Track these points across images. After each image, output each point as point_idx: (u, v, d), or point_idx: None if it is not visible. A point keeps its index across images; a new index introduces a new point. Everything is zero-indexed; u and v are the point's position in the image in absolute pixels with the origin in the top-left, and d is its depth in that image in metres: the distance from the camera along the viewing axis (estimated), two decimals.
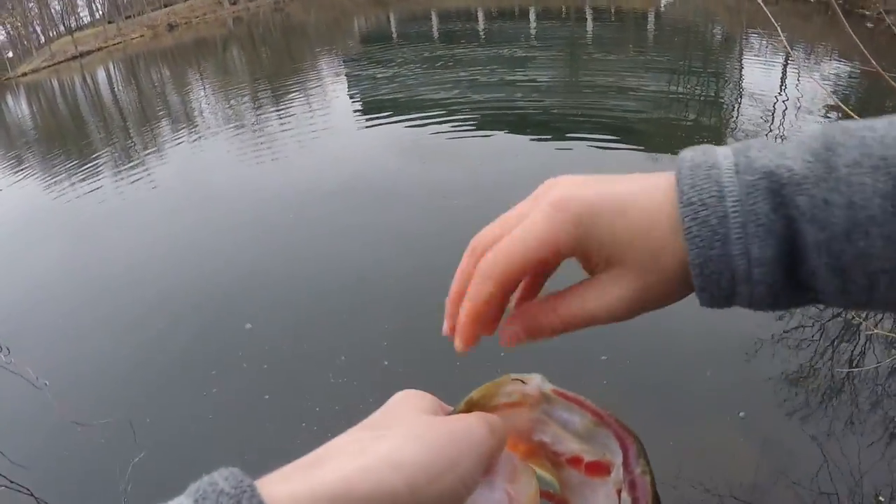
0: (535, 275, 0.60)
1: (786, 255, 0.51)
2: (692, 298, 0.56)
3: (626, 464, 0.51)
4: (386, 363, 5.72)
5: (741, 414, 5.07)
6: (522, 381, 0.55)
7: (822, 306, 0.56)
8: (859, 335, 5.91)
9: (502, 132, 12.45)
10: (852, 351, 5.85)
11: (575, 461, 0.53)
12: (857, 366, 5.62)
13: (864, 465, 4.65)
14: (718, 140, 11.59)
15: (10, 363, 6.13)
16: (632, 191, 0.55)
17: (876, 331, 5.60)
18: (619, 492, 0.50)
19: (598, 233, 0.54)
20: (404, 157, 11.34)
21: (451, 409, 0.55)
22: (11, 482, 3.58)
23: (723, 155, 0.54)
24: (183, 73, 26.81)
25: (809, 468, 4.63)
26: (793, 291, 0.53)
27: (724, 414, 5.12)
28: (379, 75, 18.79)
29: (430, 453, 0.46)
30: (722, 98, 14.34)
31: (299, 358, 5.98)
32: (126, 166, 14.02)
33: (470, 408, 0.54)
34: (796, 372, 5.59)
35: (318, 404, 5.40)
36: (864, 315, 6.18)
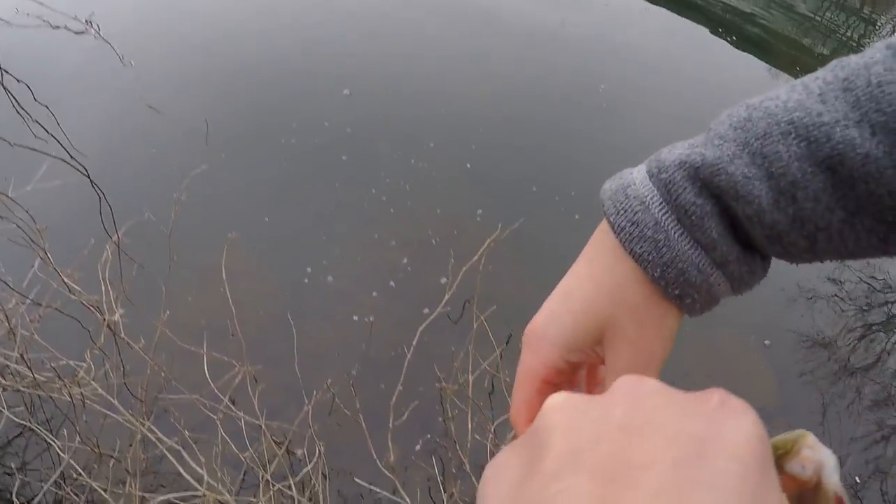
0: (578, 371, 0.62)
1: (731, 228, 0.53)
2: None
3: None
4: (468, 166, 5.62)
5: (766, 342, 5.02)
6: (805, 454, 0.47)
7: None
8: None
9: None
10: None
11: None
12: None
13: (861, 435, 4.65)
14: None
15: (97, 37, 6.03)
16: (571, 272, 0.58)
17: None
18: None
19: (557, 335, 0.56)
20: None
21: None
22: (71, 157, 3.51)
23: (637, 171, 0.55)
24: None
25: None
26: (754, 257, 0.55)
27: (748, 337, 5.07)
28: None
29: None
30: (863, 47, 13.39)
31: (387, 133, 5.83)
32: None
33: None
34: (830, 331, 5.46)
35: (391, 177, 5.34)
36: None
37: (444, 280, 4.19)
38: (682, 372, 4.39)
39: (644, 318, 0.54)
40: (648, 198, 0.52)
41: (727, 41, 10.57)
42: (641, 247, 0.52)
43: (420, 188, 5.28)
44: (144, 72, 6.02)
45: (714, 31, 10.72)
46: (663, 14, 10.82)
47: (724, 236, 0.52)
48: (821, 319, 5.46)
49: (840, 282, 5.84)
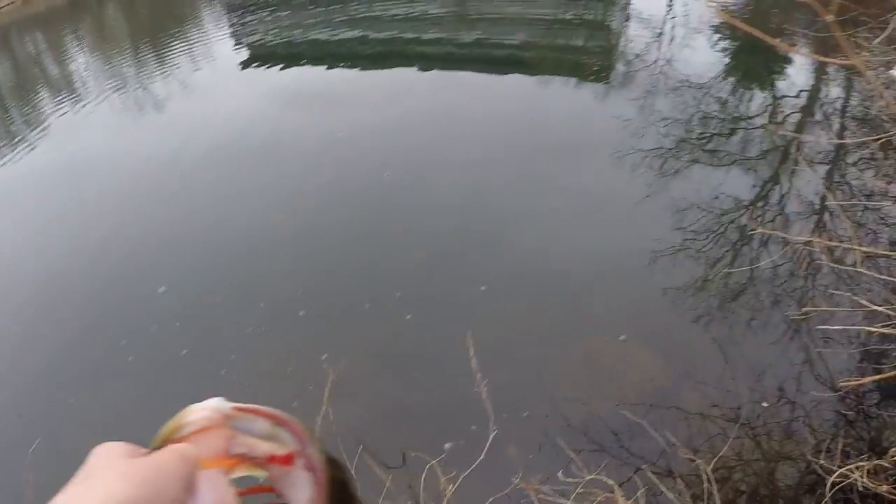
0: None
1: None
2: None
3: (302, 449, 0.63)
4: (302, 313, 5.67)
5: (622, 338, 5.25)
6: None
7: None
8: (752, 238, 6.13)
9: (395, 69, 12.31)
10: (749, 253, 6.10)
11: (271, 459, 0.62)
12: (754, 265, 5.86)
13: (765, 360, 4.93)
14: (608, 64, 11.79)
15: None
16: None
17: (761, 230, 5.86)
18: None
19: None
20: (295, 105, 11.02)
21: (147, 450, 0.58)
22: None
23: None
24: (59, 38, 25.28)
25: (713, 369, 4.89)
26: None
27: (625, 328, 5.31)
28: (263, 20, 17.93)
29: (137, 487, 0.50)
30: (610, 21, 14.47)
31: (215, 312, 5.84)
32: (7, 143, 13.12)
33: (163, 443, 0.58)
34: (697, 279, 5.81)
35: (235, 352, 5.34)
36: (754, 216, 6.52)
37: None
38: (581, 383, 4.58)
39: None
40: None
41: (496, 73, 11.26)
42: None
43: (268, 350, 5.37)
44: None
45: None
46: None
47: None
48: (687, 265, 5.90)
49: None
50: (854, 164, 7.44)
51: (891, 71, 9.03)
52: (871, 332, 4.60)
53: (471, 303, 5.69)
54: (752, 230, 6.03)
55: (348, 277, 6.23)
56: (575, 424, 4.56)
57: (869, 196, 6.45)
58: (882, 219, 6.29)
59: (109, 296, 6.40)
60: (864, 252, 4.45)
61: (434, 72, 11.98)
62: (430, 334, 5.38)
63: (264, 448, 0.61)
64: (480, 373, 3.75)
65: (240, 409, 0.62)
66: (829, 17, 2.39)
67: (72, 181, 9.66)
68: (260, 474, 0.62)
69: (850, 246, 4.69)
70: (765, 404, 4.63)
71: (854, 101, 8.82)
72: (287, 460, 0.62)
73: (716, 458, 3.97)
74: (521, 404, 4.67)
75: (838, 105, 9.12)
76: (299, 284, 6.08)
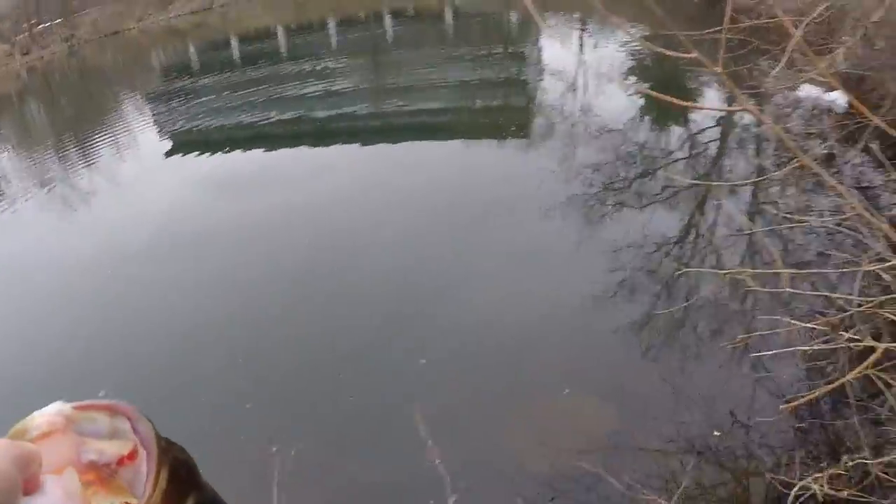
0: None
1: None
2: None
3: (135, 430, 0.58)
4: (248, 406, 5.67)
5: (566, 391, 5.32)
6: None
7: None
8: (689, 274, 6.29)
9: (315, 147, 12.53)
10: (684, 288, 6.27)
11: (121, 461, 0.57)
12: (691, 299, 6.01)
13: (714, 387, 5.04)
14: (527, 120, 12.14)
15: None
16: None
17: (685, 269, 6.04)
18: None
19: None
20: (221, 192, 11.02)
21: None
22: None
23: None
24: None
25: (662, 406, 4.97)
26: None
27: (569, 380, 5.39)
28: (185, 108, 17.95)
29: None
30: (525, 77, 14.92)
31: (160, 411, 5.53)
32: None
33: None
34: (638, 319, 5.94)
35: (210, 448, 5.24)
36: (681, 253, 6.72)
37: None
38: (533, 441, 4.64)
39: None
40: None
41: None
42: None
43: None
44: None
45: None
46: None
47: None
48: (625, 305, 6.01)
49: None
50: (773, 186, 7.74)
51: (795, 92, 9.54)
52: (805, 352, 4.75)
53: (413, 377, 5.74)
54: (678, 270, 6.20)
55: (290, 364, 6.23)
56: (533, 484, 4.57)
57: (790, 214, 6.69)
58: (809, 232, 6.53)
59: (49, 400, 6.18)
60: (789, 272, 4.62)
61: (356, 146, 12.19)
62: (376, 413, 5.39)
63: (112, 451, 0.57)
64: (431, 445, 3.76)
65: (79, 408, 0.58)
66: (718, 70, 2.55)
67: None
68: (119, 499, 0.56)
69: (771, 270, 4.86)
70: (717, 433, 4.73)
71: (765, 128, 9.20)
72: (133, 456, 0.58)
73: (678, 493, 4.03)
74: (478, 471, 4.67)
75: (752, 130, 9.54)
76: (241, 376, 6.04)
